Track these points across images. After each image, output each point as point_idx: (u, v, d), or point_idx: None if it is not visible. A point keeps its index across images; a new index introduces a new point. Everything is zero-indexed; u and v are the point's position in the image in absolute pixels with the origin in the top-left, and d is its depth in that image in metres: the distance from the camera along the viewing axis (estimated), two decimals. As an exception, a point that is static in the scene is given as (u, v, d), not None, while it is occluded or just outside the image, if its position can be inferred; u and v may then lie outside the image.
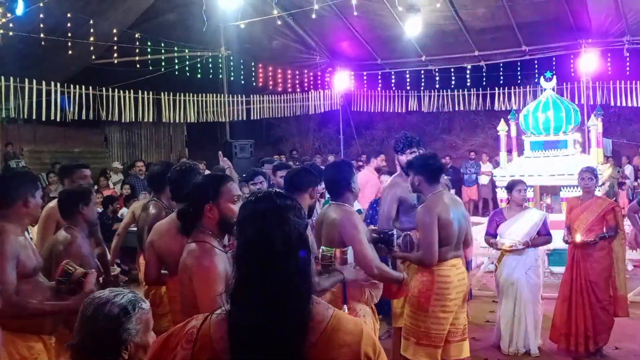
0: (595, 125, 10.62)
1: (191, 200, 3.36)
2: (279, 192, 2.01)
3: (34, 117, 12.37)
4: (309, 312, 1.79)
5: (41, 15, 11.47)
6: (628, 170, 16.65)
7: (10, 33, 11.04)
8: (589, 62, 15.54)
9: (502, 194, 10.25)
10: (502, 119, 11.07)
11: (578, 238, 6.56)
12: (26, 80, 11.71)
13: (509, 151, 11.22)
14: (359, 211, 5.27)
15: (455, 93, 18.37)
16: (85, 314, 2.41)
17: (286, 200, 1.94)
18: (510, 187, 6.96)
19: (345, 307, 4.02)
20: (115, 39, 13.68)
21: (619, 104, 16.57)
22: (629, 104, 16.52)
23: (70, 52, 12.75)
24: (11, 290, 3.55)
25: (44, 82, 12.13)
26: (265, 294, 1.76)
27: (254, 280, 1.79)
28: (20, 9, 10.58)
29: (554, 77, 11.41)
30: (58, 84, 12.50)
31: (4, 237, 3.60)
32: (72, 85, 12.93)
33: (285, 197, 1.97)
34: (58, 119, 12.71)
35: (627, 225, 7.11)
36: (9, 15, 10.76)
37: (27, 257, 3.70)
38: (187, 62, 15.65)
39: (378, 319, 4.68)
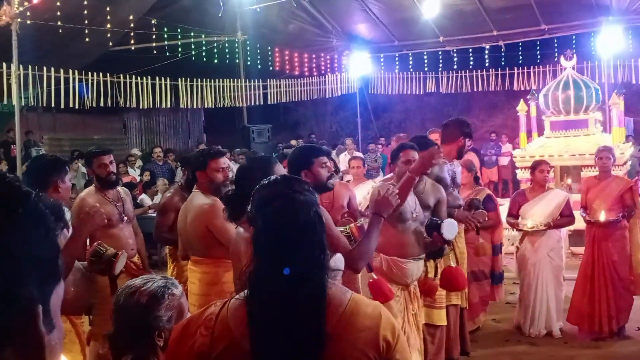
0: (617, 104, 10.48)
1: (242, 183, 3.36)
2: (290, 176, 2.07)
3: (52, 105, 12.41)
4: (325, 292, 1.79)
5: (58, 3, 11.50)
6: (650, 149, 16.43)
7: (28, 22, 11.07)
8: (609, 40, 15.29)
9: (522, 175, 10.17)
10: (521, 99, 10.97)
11: (602, 217, 6.49)
12: (44, 68, 11.75)
13: (529, 132, 11.12)
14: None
15: (474, 74, 18.19)
16: (118, 303, 2.46)
17: (299, 183, 1.98)
18: (533, 168, 6.92)
19: (372, 274, 4.01)
20: (132, 25, 13.69)
21: (640, 82, 16.33)
22: (651, 82, 16.28)
23: (87, 39, 12.78)
24: None
25: (62, 70, 12.16)
26: (283, 277, 1.75)
27: (272, 263, 1.79)
28: (37, -3, 10.64)
29: (575, 55, 11.25)
30: (76, 72, 12.53)
31: None
32: (90, 73, 12.96)
33: (297, 180, 2.02)
34: (77, 107, 12.76)
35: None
36: (26, 3, 10.78)
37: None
38: (204, 48, 15.64)
39: (417, 297, 4.72)
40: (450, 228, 4.49)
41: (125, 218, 5.43)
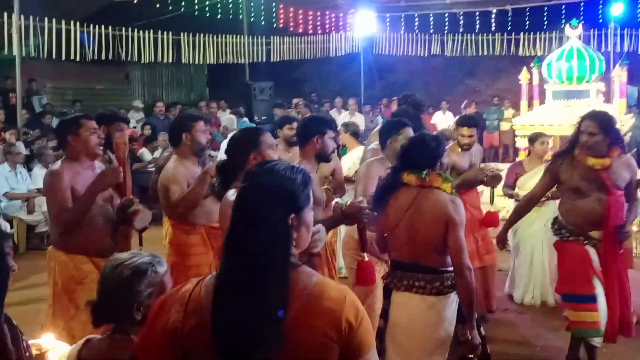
0: (620, 75, 10.40)
1: (233, 153, 3.54)
2: (290, 164, 1.98)
3: (53, 56, 12.31)
4: (287, 280, 1.79)
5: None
6: (653, 119, 16.34)
7: (29, -29, 10.95)
8: (617, 7, 15.12)
9: (520, 142, 10.16)
10: (524, 68, 10.89)
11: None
12: (45, 19, 11.65)
13: (530, 99, 11.06)
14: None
15: (480, 37, 18.07)
16: (104, 274, 2.55)
17: (289, 179, 1.89)
18: (532, 139, 6.91)
19: (365, 255, 3.93)
20: (136, -24, 13.53)
21: (647, 51, 16.20)
22: (658, 51, 16.16)
23: (90, -11, 12.66)
24: (66, 206, 4.08)
25: (63, 21, 12.06)
26: (245, 253, 1.78)
27: (237, 238, 1.81)
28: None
29: (580, 24, 11.11)
30: (77, 23, 12.42)
31: (60, 172, 4.13)
32: (91, 25, 12.84)
33: (288, 176, 1.90)
34: (78, 59, 12.68)
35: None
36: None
37: (82, 186, 4.13)
38: (207, 2, 15.46)
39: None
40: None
41: None
